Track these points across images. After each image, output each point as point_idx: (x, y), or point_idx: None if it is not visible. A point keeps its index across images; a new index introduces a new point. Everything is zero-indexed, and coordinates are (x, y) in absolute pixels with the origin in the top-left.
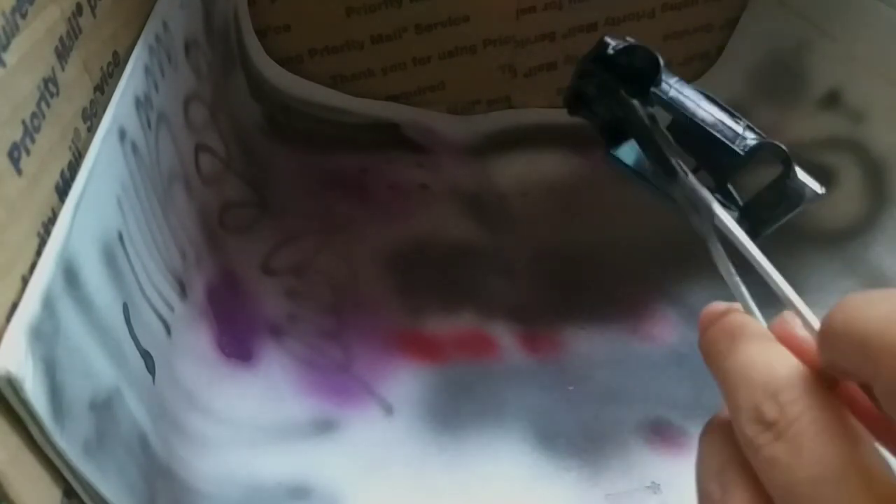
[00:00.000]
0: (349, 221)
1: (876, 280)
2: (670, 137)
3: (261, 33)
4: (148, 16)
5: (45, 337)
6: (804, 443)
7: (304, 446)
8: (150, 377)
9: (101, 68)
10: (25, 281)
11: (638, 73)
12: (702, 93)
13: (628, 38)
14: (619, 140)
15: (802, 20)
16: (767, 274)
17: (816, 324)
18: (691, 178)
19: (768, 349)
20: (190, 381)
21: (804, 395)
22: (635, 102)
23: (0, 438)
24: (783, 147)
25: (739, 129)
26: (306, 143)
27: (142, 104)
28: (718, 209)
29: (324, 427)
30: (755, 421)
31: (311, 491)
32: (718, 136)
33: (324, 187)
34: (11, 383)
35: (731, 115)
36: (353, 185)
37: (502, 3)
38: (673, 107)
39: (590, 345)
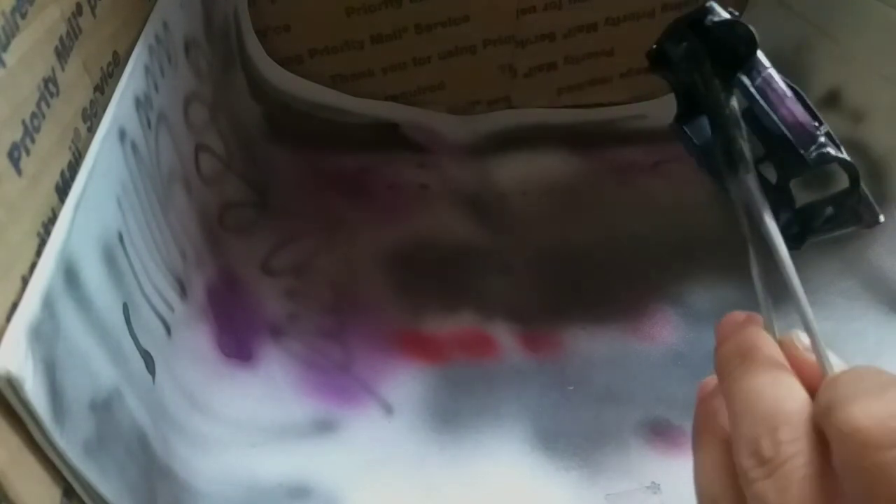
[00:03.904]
0: (349, 221)
1: (876, 280)
2: (743, 126)
3: (261, 33)
4: (148, 16)
5: (45, 337)
6: (791, 486)
7: (304, 446)
8: (150, 377)
9: (101, 68)
10: (25, 281)
11: (731, 52)
12: (793, 89)
13: (734, 12)
14: (693, 112)
15: (802, 20)
16: (795, 291)
17: (832, 362)
18: (751, 178)
19: (778, 381)
20: (190, 381)
21: (803, 436)
22: (717, 81)
23: (0, 438)
24: (854, 166)
25: (819, 135)
26: (306, 143)
27: (142, 104)
28: (768, 218)
29: (324, 427)
30: (752, 454)
31: (311, 491)
32: (791, 139)
33: (324, 187)
34: (11, 383)
35: (816, 119)
36: (353, 185)
37: (502, 3)
38: (754, 98)
39: (590, 345)
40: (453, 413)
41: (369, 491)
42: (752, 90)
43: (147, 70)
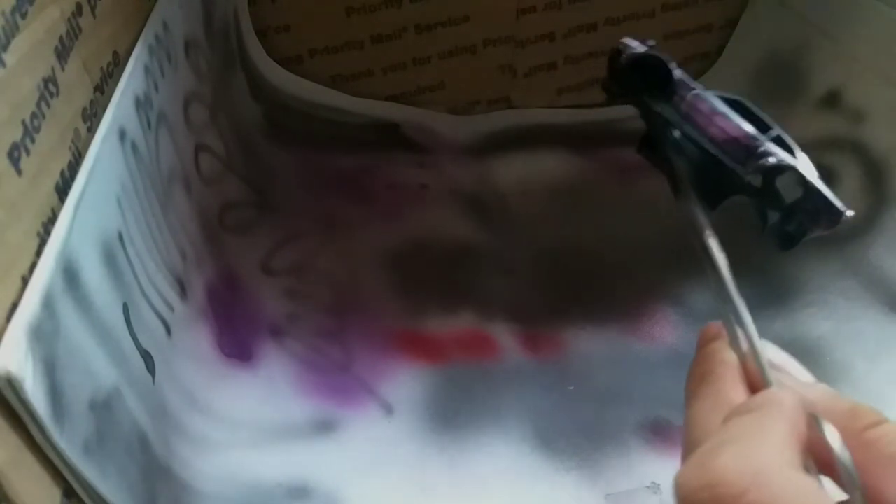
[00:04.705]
0: (349, 221)
1: (876, 280)
2: (680, 155)
3: (261, 33)
4: (148, 16)
5: (45, 337)
6: None
7: (304, 446)
8: (150, 377)
9: (101, 68)
10: (25, 281)
11: (656, 82)
12: (728, 101)
13: (648, 43)
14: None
15: (802, 20)
16: (739, 311)
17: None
18: (691, 204)
19: (712, 411)
20: (190, 381)
21: None
22: (656, 111)
23: (0, 438)
24: (799, 171)
25: (761, 144)
26: (306, 143)
27: (142, 104)
28: (710, 240)
29: (324, 427)
30: (684, 481)
31: (311, 491)
32: (724, 159)
33: (324, 187)
34: (11, 383)
35: (760, 127)
36: (353, 185)
37: (502, 3)
38: (679, 126)
39: (590, 345)
40: (453, 413)
41: (369, 491)
42: (675, 120)
43: (147, 70)
